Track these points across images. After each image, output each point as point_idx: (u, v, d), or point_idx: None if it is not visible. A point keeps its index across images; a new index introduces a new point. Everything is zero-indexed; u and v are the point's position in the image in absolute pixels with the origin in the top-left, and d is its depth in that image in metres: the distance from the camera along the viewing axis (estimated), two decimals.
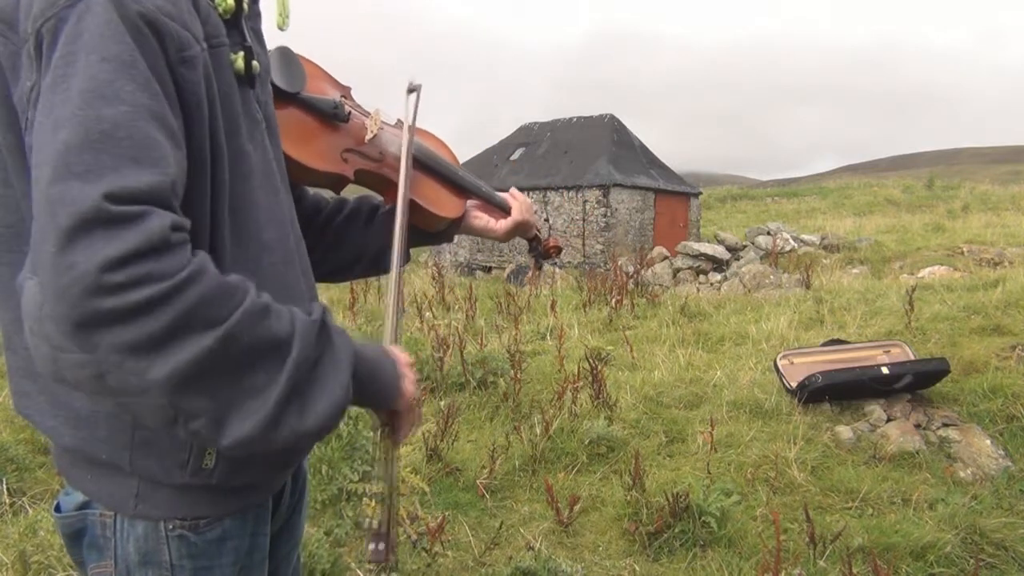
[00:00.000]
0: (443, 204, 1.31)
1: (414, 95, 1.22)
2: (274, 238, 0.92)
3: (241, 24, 0.92)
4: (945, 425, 4.18)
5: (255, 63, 0.92)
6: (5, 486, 3.25)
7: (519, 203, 1.41)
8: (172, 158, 0.73)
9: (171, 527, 0.89)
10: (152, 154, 0.71)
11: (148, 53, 0.74)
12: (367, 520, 0.97)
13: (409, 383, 0.93)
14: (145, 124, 0.71)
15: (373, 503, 0.97)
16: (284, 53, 1.12)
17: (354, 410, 2.78)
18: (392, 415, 0.97)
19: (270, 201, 0.93)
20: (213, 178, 0.83)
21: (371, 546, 0.97)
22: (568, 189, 20.43)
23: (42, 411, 0.88)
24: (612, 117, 23.00)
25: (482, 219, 1.38)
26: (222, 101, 0.85)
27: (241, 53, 0.90)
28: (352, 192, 1.29)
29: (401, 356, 0.95)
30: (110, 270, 0.65)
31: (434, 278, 9.84)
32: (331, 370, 0.80)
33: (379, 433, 0.99)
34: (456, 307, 8.78)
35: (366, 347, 0.89)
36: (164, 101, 0.75)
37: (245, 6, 0.92)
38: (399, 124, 1.27)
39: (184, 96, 0.78)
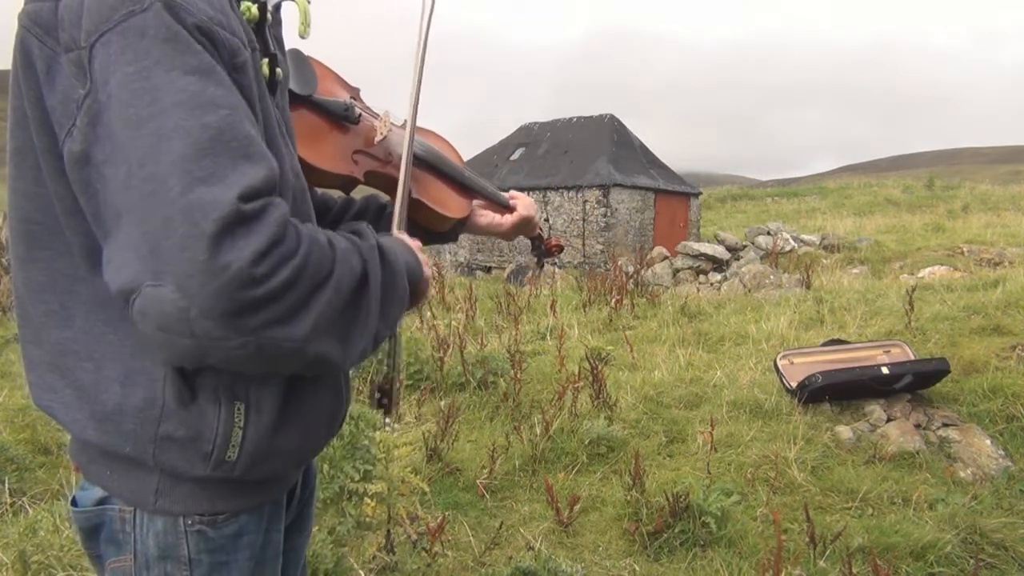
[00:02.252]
0: (449, 204, 1.33)
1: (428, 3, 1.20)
2: None
3: (265, 32, 0.95)
4: (945, 425, 4.18)
5: (279, 70, 0.96)
6: (5, 486, 3.25)
7: (523, 201, 1.44)
8: (267, 150, 0.80)
9: (190, 522, 0.91)
10: (257, 149, 0.77)
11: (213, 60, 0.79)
12: (377, 376, 1.15)
13: (426, 267, 1.04)
14: (243, 122, 0.77)
15: (376, 362, 1.14)
16: (295, 56, 1.14)
17: (355, 411, 2.78)
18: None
19: (294, 202, 0.97)
20: None
21: (375, 395, 1.15)
22: (568, 189, 20.43)
23: (67, 404, 0.89)
24: (612, 117, 23.01)
25: (487, 216, 1.41)
26: (261, 103, 0.88)
27: (266, 60, 0.93)
28: (359, 192, 1.30)
29: (414, 243, 1.06)
30: (257, 263, 0.72)
31: (434, 278, 9.84)
32: (396, 283, 0.92)
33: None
34: (456, 307, 8.78)
35: (398, 244, 0.99)
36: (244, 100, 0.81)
37: (269, 15, 0.95)
38: (406, 125, 1.28)
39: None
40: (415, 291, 1.01)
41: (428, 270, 1.04)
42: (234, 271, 0.71)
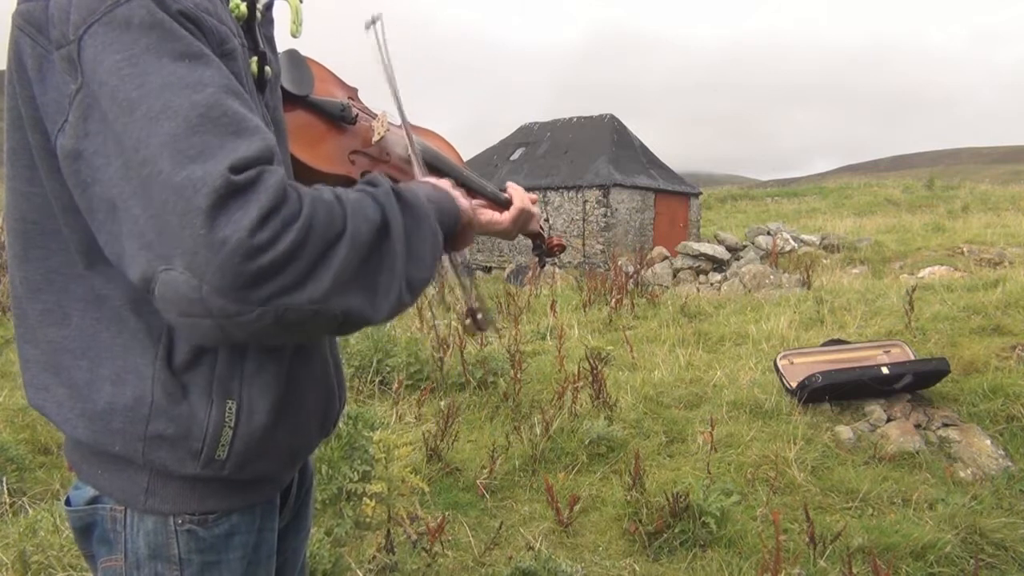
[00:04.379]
0: None
1: (377, 26, 1.19)
2: None
3: (255, 30, 0.95)
4: (945, 425, 4.18)
5: (268, 69, 0.95)
6: (5, 486, 3.25)
7: (520, 193, 1.43)
8: (261, 125, 0.78)
9: (180, 521, 0.91)
10: (249, 124, 0.76)
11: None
12: (464, 303, 1.17)
13: (462, 200, 1.02)
14: (232, 101, 0.76)
15: (462, 299, 1.17)
16: (292, 56, 1.14)
17: (353, 411, 2.78)
18: (456, 232, 1.05)
19: None
20: None
21: (469, 320, 1.18)
22: (568, 189, 20.43)
23: (59, 403, 0.89)
24: (612, 117, 23.01)
25: (487, 214, 1.39)
26: (250, 96, 0.88)
27: (255, 58, 0.93)
28: None
29: (442, 182, 1.04)
30: (257, 231, 0.71)
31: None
32: (420, 224, 0.89)
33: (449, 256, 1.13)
34: (456, 307, 8.78)
35: (419, 185, 0.97)
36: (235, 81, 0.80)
37: (259, 13, 0.95)
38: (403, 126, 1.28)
39: None
40: (457, 226, 1.00)
41: (464, 201, 1.03)
42: (234, 243, 0.70)
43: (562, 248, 1.55)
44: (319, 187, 0.82)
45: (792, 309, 7.55)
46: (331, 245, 0.77)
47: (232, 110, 0.75)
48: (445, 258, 1.12)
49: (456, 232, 1.02)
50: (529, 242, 1.54)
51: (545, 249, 1.54)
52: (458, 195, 1.02)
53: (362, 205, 0.83)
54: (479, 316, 1.17)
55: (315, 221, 0.76)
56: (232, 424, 0.88)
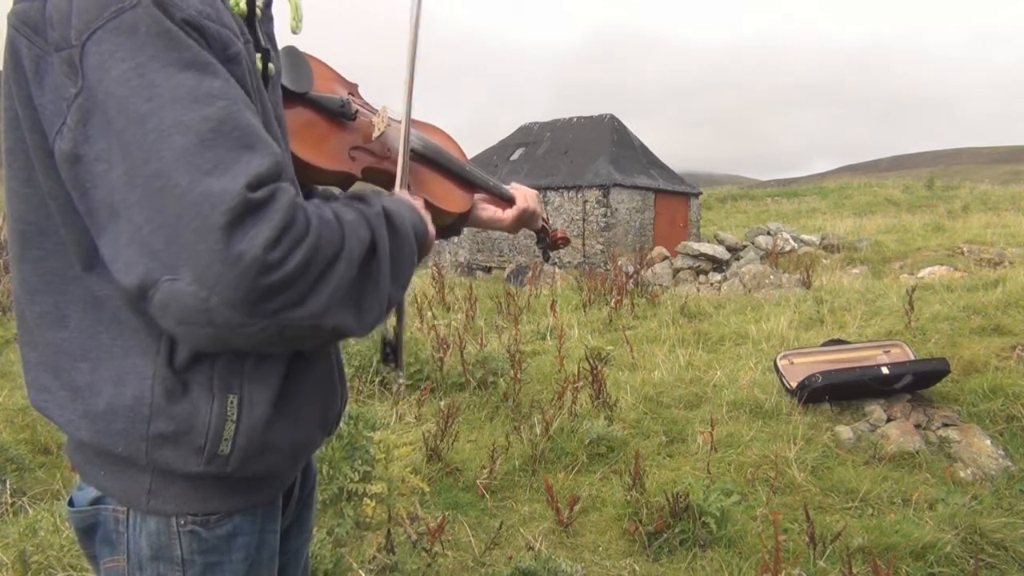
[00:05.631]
0: (450, 199, 1.32)
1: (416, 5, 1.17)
2: None
3: (256, 27, 0.95)
4: (945, 425, 4.18)
5: (271, 66, 0.96)
6: (6, 486, 3.25)
7: (523, 192, 1.43)
8: (269, 137, 0.80)
9: (183, 522, 0.91)
10: (259, 137, 0.78)
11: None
12: (386, 333, 1.16)
13: (430, 223, 1.05)
14: (243, 112, 0.78)
15: (388, 325, 1.14)
16: (291, 53, 1.13)
17: (354, 411, 2.78)
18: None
19: None
20: None
21: (385, 350, 1.17)
22: (568, 189, 20.43)
23: (61, 405, 0.89)
24: (612, 117, 23.00)
25: (489, 210, 1.40)
26: (257, 95, 0.89)
27: (259, 55, 0.93)
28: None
29: (417, 203, 1.06)
30: (270, 249, 0.73)
31: (434, 278, 9.84)
32: (402, 246, 0.92)
33: None
34: (456, 307, 8.79)
35: (403, 206, 0.98)
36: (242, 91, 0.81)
37: (258, 10, 0.95)
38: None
39: None
40: (421, 248, 1.02)
41: (432, 227, 1.06)
42: (249, 259, 0.72)
43: (567, 241, 1.55)
44: (319, 203, 0.84)
45: (792, 309, 7.56)
46: (331, 264, 0.80)
47: (243, 122, 0.77)
48: None
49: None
50: (532, 240, 1.55)
51: (549, 242, 1.54)
52: (427, 216, 1.06)
53: (356, 226, 0.85)
54: (391, 352, 1.18)
55: (321, 241, 0.78)
56: (234, 418, 0.88)
